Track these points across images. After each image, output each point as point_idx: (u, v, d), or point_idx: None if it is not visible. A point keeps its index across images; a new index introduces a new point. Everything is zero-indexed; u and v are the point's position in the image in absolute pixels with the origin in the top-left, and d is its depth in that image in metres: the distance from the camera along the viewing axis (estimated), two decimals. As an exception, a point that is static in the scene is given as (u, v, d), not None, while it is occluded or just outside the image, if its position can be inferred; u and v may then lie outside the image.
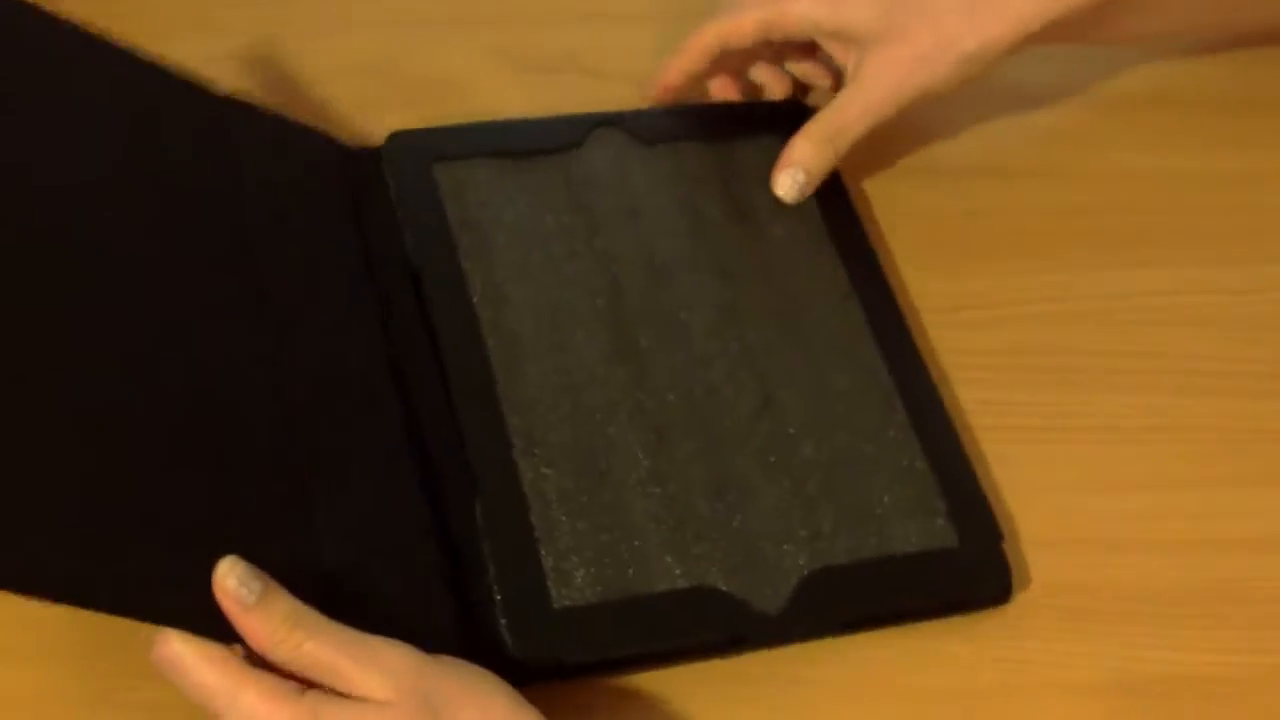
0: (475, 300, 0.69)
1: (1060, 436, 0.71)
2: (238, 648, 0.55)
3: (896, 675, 0.63)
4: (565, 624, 0.61)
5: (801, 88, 0.80)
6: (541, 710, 0.56)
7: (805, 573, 0.63)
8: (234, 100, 0.71)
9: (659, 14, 0.83)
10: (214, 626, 0.54)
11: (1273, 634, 0.66)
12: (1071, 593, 0.66)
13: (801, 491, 0.65)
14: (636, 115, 0.77)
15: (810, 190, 0.74)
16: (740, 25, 0.75)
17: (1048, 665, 0.64)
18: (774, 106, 0.79)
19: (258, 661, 0.55)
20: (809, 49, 0.78)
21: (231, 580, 0.54)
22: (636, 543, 0.63)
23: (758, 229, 0.74)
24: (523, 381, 0.67)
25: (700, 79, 0.78)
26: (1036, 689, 0.64)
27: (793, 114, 0.76)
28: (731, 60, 0.78)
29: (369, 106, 0.77)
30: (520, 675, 0.58)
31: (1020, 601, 0.65)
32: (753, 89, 0.80)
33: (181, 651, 0.54)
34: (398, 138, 0.74)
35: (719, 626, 0.62)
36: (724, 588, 0.62)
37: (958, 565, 0.65)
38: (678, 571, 0.62)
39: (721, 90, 0.79)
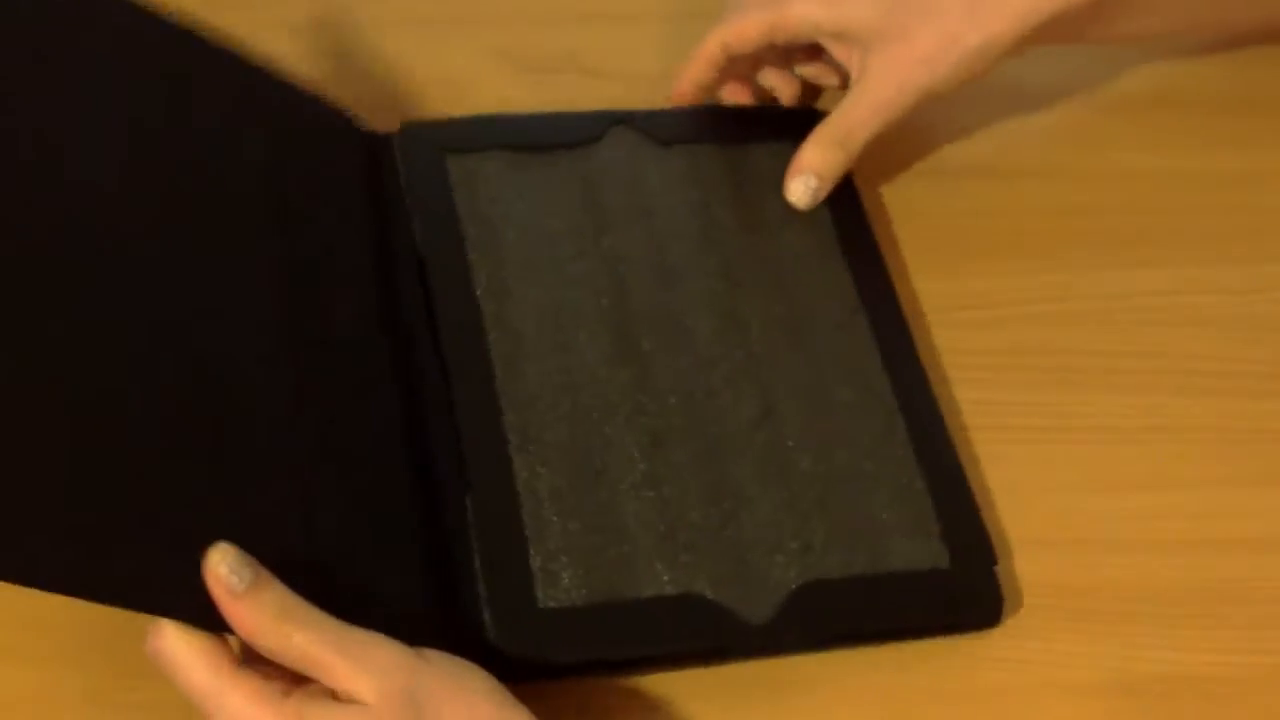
0: (479, 293, 0.69)
1: (1060, 437, 0.71)
2: (233, 640, 0.55)
3: (896, 675, 0.63)
4: (549, 624, 0.61)
5: (811, 90, 0.79)
6: (535, 709, 0.56)
7: (794, 585, 0.62)
8: (268, 71, 0.71)
9: (659, 14, 0.83)
10: (206, 616, 0.54)
11: (1273, 634, 0.66)
12: (1071, 593, 0.66)
13: (796, 504, 0.65)
14: (651, 115, 0.76)
15: (823, 195, 0.74)
16: (743, 29, 0.75)
17: (1048, 665, 0.64)
18: (789, 110, 0.79)
19: (252, 654, 0.55)
20: (815, 50, 0.78)
21: (223, 567, 0.54)
22: (626, 547, 0.63)
23: (769, 236, 0.73)
24: (522, 378, 0.66)
25: (711, 88, 0.77)
26: (1036, 689, 0.64)
27: (807, 119, 0.75)
28: (739, 65, 0.77)
29: (369, 106, 0.77)
30: (504, 672, 0.57)
31: (1020, 601, 0.65)
32: (763, 94, 0.79)
33: (175, 648, 0.54)
34: (410, 127, 0.74)
35: (703, 635, 0.62)
36: (711, 596, 0.62)
37: (949, 586, 0.64)
38: (666, 578, 0.62)
39: (733, 97, 0.78)
